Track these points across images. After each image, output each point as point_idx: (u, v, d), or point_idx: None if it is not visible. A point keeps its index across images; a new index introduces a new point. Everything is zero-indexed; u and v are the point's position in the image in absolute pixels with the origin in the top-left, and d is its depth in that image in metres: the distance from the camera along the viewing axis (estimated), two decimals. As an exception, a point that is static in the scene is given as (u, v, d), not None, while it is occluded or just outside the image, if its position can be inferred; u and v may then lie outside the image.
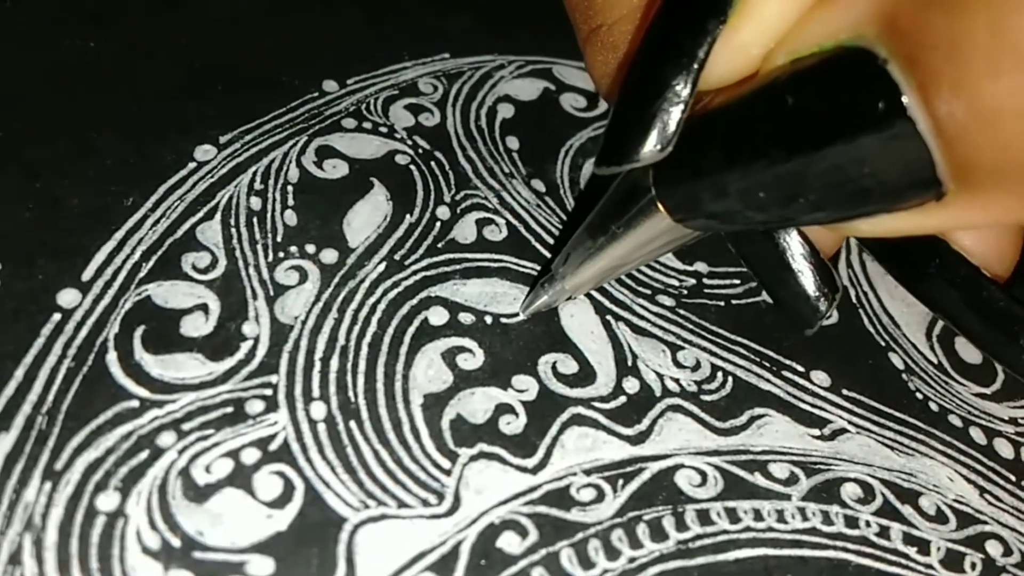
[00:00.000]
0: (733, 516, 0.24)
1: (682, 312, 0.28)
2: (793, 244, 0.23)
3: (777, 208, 0.18)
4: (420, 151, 0.30)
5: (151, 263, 0.25)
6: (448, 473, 0.23)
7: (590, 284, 0.26)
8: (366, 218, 0.28)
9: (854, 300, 0.31)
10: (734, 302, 0.29)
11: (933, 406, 0.28)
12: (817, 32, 0.17)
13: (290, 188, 0.28)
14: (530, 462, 0.24)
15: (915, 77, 0.15)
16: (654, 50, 0.19)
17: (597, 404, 0.26)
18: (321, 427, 0.23)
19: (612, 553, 0.23)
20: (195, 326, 0.24)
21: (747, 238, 0.24)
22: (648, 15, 0.20)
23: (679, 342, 0.28)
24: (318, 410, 0.24)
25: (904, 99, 0.15)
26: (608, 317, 0.28)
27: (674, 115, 0.18)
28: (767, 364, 0.28)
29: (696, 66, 0.18)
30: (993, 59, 0.14)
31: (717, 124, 0.18)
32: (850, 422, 0.27)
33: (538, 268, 0.28)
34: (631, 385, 0.26)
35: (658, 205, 0.21)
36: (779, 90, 0.17)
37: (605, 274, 0.25)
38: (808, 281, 0.23)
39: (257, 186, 0.28)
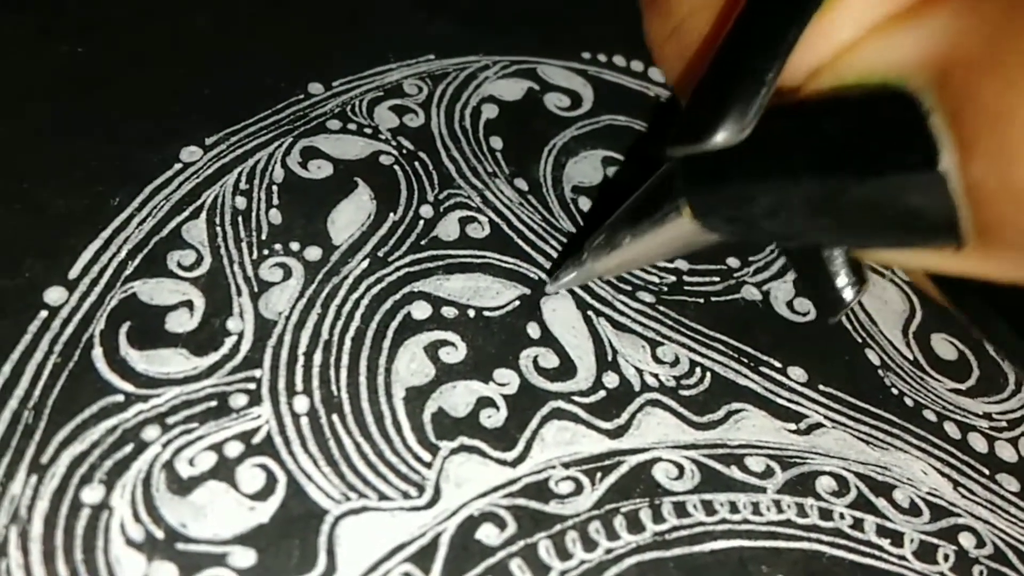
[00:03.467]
0: (709, 508, 0.25)
1: (662, 309, 0.29)
2: None
3: (796, 227, 0.19)
4: (404, 152, 0.31)
5: (137, 261, 0.26)
6: (429, 466, 0.24)
7: (616, 270, 0.27)
8: (350, 216, 0.28)
9: (832, 297, 0.31)
10: (713, 299, 0.30)
11: (908, 401, 0.29)
12: (866, 62, 0.17)
13: (275, 188, 0.28)
14: (510, 455, 0.25)
15: (956, 135, 0.15)
16: (744, 31, 0.18)
17: (577, 398, 0.26)
18: (304, 420, 0.24)
19: (589, 544, 0.23)
20: (180, 322, 0.25)
21: None
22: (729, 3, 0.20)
23: (659, 338, 0.28)
24: (301, 404, 0.24)
25: (940, 154, 0.15)
26: (589, 313, 0.28)
27: (757, 98, 0.18)
28: (745, 360, 0.28)
29: (785, 48, 0.17)
30: None
31: (753, 134, 0.18)
32: (826, 417, 0.28)
33: (520, 264, 0.29)
34: (611, 380, 0.27)
35: (683, 204, 0.21)
36: (818, 116, 0.18)
37: (631, 263, 0.25)
38: (839, 269, 0.23)
39: (242, 186, 0.28)
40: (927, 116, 0.15)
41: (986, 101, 0.15)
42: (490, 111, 0.33)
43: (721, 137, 0.18)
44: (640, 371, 0.27)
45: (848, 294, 0.23)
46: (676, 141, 0.19)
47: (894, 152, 0.16)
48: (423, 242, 0.28)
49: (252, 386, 0.24)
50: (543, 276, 0.28)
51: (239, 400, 0.24)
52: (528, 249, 0.29)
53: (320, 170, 0.29)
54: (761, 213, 0.19)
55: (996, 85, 0.15)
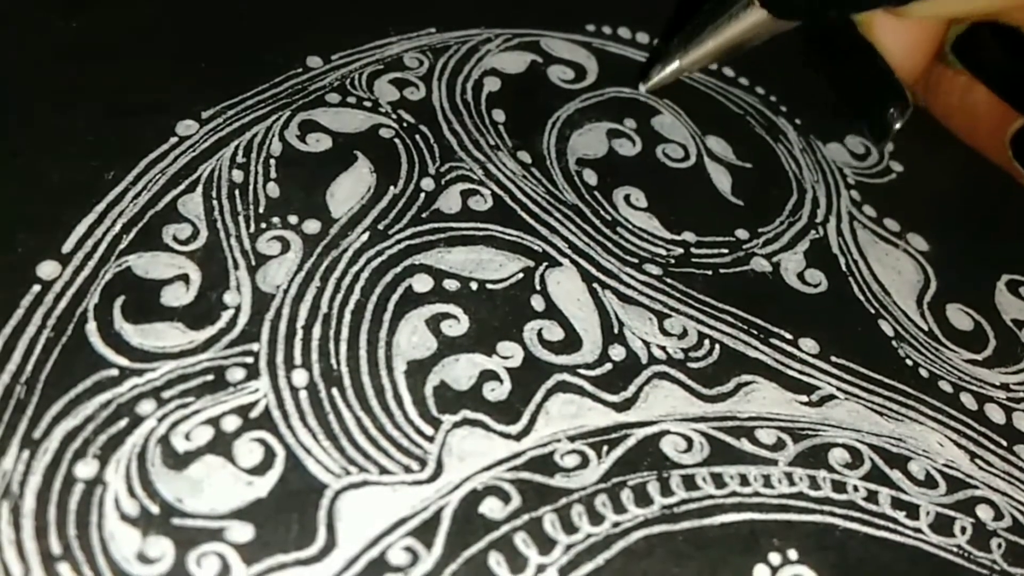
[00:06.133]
0: (719, 481, 0.24)
1: (669, 281, 0.28)
2: (877, 61, 0.30)
3: None
4: (405, 125, 0.30)
5: (132, 235, 0.25)
6: (431, 440, 0.23)
7: (699, 64, 0.31)
8: (349, 190, 0.28)
9: (844, 268, 0.30)
10: (722, 271, 0.29)
11: (923, 372, 0.28)
12: None
13: (273, 161, 0.28)
14: (514, 428, 0.24)
15: None
16: None
17: (582, 371, 0.26)
18: (303, 394, 0.23)
19: (596, 518, 0.23)
20: (176, 296, 0.24)
21: (835, 54, 0.32)
22: None
23: (666, 310, 0.28)
24: (300, 377, 0.24)
25: None
26: (595, 285, 0.27)
27: None
28: (755, 332, 0.28)
29: None
30: None
31: None
32: (839, 388, 0.27)
33: (524, 236, 0.28)
34: (617, 352, 0.26)
35: None
36: None
37: (712, 56, 0.31)
38: (886, 94, 0.28)
39: (239, 159, 0.28)
40: None
41: None
42: (492, 84, 0.32)
43: None
44: (647, 344, 0.27)
45: (896, 116, 0.28)
46: None
47: None
48: (424, 215, 0.28)
49: (250, 360, 0.24)
50: (547, 248, 0.28)
51: (236, 374, 0.23)
52: (531, 221, 0.29)
53: (319, 143, 0.29)
54: None
55: None
